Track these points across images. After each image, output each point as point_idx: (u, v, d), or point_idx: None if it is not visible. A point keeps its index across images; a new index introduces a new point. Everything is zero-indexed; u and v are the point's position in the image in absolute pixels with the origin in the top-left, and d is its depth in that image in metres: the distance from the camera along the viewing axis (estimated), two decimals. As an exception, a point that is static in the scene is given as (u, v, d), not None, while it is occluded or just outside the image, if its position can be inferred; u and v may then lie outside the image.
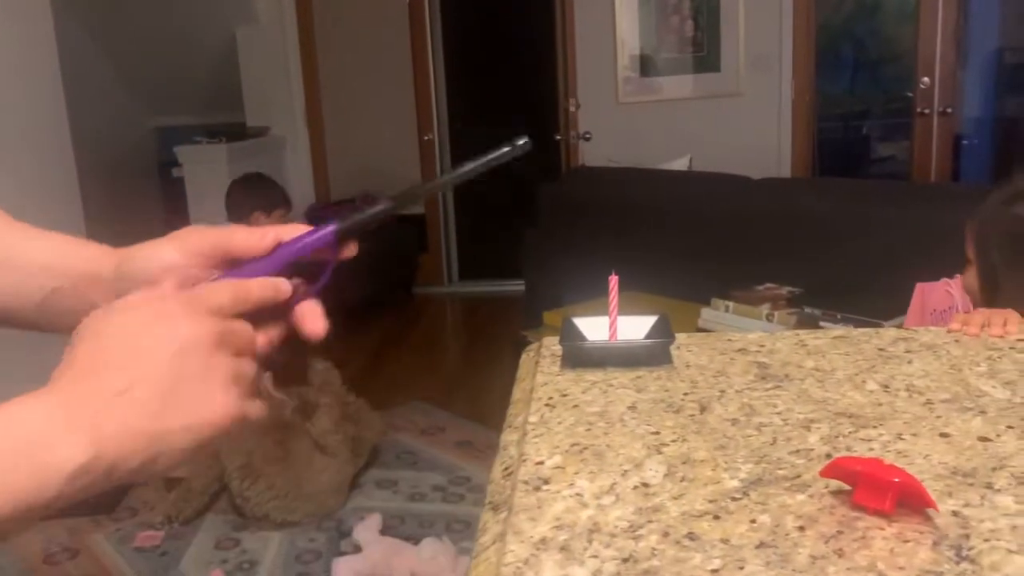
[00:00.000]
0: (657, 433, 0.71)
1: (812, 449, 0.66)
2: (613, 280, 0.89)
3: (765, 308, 2.75)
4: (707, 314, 2.78)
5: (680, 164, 4.17)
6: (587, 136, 4.76)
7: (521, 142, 0.60)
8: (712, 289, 2.97)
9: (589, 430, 0.72)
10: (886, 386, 0.78)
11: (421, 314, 5.13)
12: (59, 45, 4.08)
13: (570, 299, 3.10)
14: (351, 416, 2.81)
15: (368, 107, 5.52)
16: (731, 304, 2.83)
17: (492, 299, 5.19)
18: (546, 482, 0.62)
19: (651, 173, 3.69)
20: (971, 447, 0.65)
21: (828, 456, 0.65)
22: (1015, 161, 5.84)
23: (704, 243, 3.22)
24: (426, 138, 5.45)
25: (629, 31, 5.09)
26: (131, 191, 5.42)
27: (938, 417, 0.71)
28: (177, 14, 5.23)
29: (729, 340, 0.94)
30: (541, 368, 0.88)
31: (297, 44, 5.44)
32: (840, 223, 2.84)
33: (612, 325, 0.89)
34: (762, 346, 0.91)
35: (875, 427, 0.70)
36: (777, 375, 0.82)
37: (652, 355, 0.87)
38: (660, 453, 0.67)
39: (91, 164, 4.73)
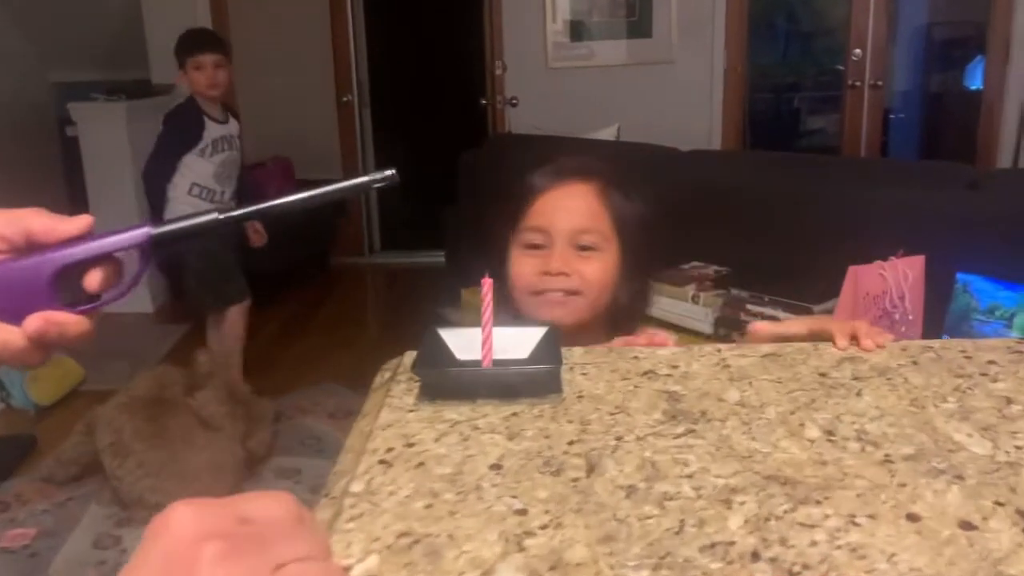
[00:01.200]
0: (524, 513, 0.51)
1: (732, 543, 0.47)
2: (486, 284, 0.68)
3: (690, 289, 2.59)
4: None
5: (608, 134, 3.98)
6: (514, 102, 4.54)
7: (388, 173, 0.56)
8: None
9: (430, 507, 0.52)
10: (831, 432, 0.60)
11: (336, 287, 4.87)
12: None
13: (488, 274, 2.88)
14: (241, 399, 2.58)
15: (283, 65, 5.18)
16: (654, 284, 2.65)
17: (415, 271, 4.94)
18: (344, 609, 0.42)
19: (576, 142, 3.49)
20: (951, 540, 0.47)
21: (754, 556, 0.45)
22: (941, 136, 5.83)
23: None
24: (344, 99, 5.14)
25: (558, -8, 4.86)
26: (30, 150, 5.03)
27: (902, 485, 0.52)
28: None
29: (635, 358, 0.74)
30: (392, 399, 0.68)
31: (207, -5, 5.07)
32: (771, 199, 2.68)
33: (486, 343, 0.68)
34: (675, 367, 0.72)
35: (819, 502, 0.51)
36: (691, 413, 0.63)
37: (535, 384, 0.67)
38: (521, 550, 0.47)
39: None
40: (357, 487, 0.54)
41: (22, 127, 5.13)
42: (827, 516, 0.49)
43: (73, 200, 4.48)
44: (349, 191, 0.57)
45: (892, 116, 5.62)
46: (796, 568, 0.44)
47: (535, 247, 1.10)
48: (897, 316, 1.96)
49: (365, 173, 0.57)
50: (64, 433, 2.64)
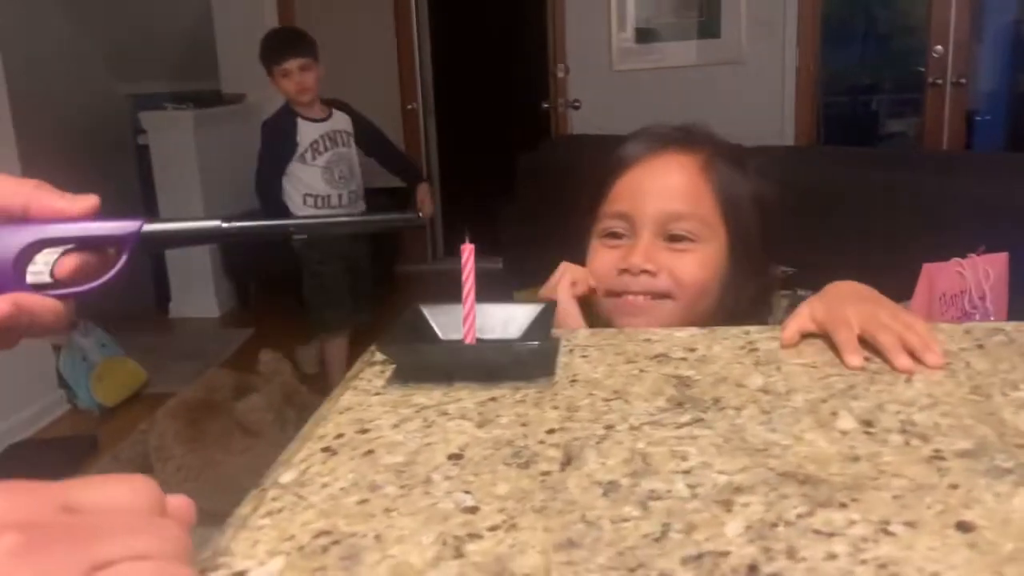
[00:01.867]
0: (474, 511, 0.41)
1: (726, 553, 0.37)
2: (467, 249, 0.59)
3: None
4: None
5: (670, 132, 3.85)
6: (576, 104, 4.44)
7: (413, 216, 0.54)
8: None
9: (365, 503, 0.43)
10: (869, 423, 0.49)
11: (402, 293, 4.84)
12: (27, 12, 3.81)
13: (545, 277, 2.80)
14: (296, 404, 2.55)
15: (349, 74, 5.20)
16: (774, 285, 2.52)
17: (480, 275, 4.87)
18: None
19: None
20: (1015, 557, 0.36)
21: (751, 570, 0.35)
22: (1031, 139, 5.51)
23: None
24: (409, 107, 5.13)
25: (623, -6, 4.76)
26: (106, 159, 5.15)
27: (953, 487, 0.41)
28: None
29: (647, 341, 0.64)
30: (359, 382, 0.59)
31: (275, 7, 5.12)
32: (840, 194, 2.53)
33: (468, 318, 0.59)
34: (692, 351, 0.62)
35: (844, 505, 0.40)
36: (701, 400, 0.53)
37: (521, 365, 0.58)
38: (459, 556, 0.37)
39: (64, 130, 4.47)
40: (287, 477, 0.46)
41: (99, 137, 5.26)
42: (852, 522, 0.39)
43: (147, 206, 4.57)
44: (372, 225, 0.54)
45: (977, 118, 5.34)
46: (803, 587, 0.34)
47: (615, 236, 0.89)
48: (977, 317, 1.80)
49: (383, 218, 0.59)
50: (125, 435, 2.66)
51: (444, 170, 5.34)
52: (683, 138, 0.92)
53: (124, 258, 0.46)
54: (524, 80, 5.05)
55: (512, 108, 5.07)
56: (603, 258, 0.90)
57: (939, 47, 4.65)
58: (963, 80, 4.59)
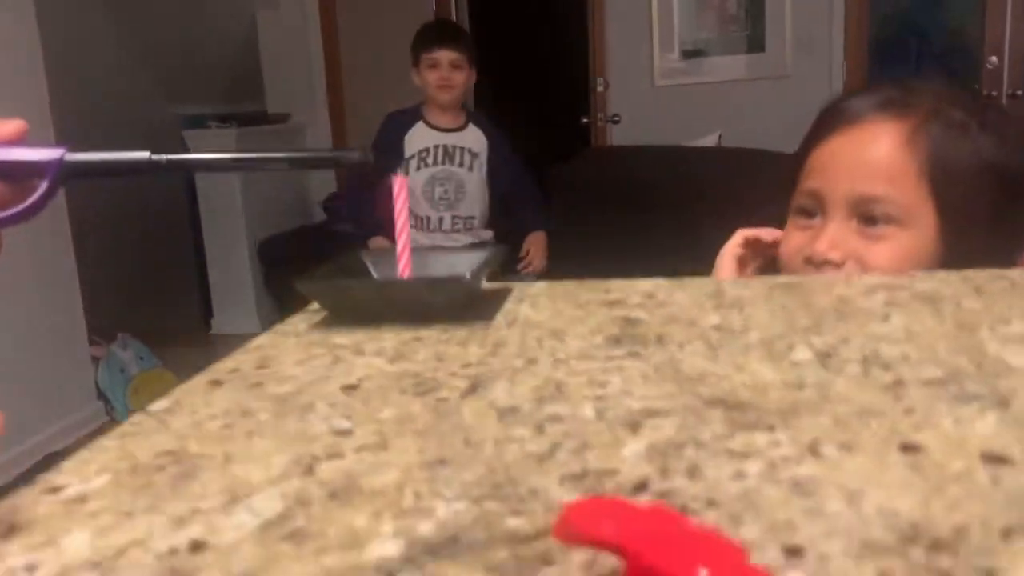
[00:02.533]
0: (347, 434, 0.36)
1: (613, 472, 0.31)
2: (398, 181, 0.54)
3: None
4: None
5: (709, 141, 3.78)
6: (616, 119, 4.39)
7: (357, 152, 0.50)
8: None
9: (228, 427, 0.38)
10: (827, 355, 0.42)
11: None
12: (78, 36, 3.92)
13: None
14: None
15: (392, 92, 5.24)
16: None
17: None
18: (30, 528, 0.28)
19: (671, 150, 3.32)
20: (962, 476, 0.29)
21: (638, 488, 0.29)
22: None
23: (732, 224, 2.83)
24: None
25: (666, 8, 4.72)
26: (156, 177, 5.26)
27: (908, 411, 0.35)
28: (198, 3, 5.05)
29: (606, 291, 0.58)
30: (284, 326, 0.54)
31: (319, 28, 5.19)
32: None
33: (402, 253, 0.54)
34: (651, 297, 0.56)
35: (771, 428, 0.34)
36: (643, 337, 0.47)
37: (455, 306, 0.52)
38: (308, 474, 0.32)
39: (112, 149, 4.56)
40: (160, 405, 0.41)
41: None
42: (776, 444, 0.32)
43: (192, 222, 4.63)
44: (309, 163, 0.50)
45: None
46: (694, 505, 0.28)
47: (807, 215, 0.79)
48: None
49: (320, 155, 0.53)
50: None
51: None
52: (892, 101, 0.77)
53: (44, 185, 0.44)
54: (564, 95, 5.02)
55: (552, 122, 5.04)
56: (791, 238, 0.81)
57: (993, 58, 4.52)
58: (1020, 92, 4.44)
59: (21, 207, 0.43)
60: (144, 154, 0.46)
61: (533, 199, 2.73)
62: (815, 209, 0.79)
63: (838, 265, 0.75)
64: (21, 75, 3.10)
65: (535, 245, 2.64)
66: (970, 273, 0.57)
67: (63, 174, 0.44)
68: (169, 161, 0.45)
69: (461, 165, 2.45)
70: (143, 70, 5.19)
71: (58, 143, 0.45)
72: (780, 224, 0.84)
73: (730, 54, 4.81)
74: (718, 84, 4.75)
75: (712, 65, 4.80)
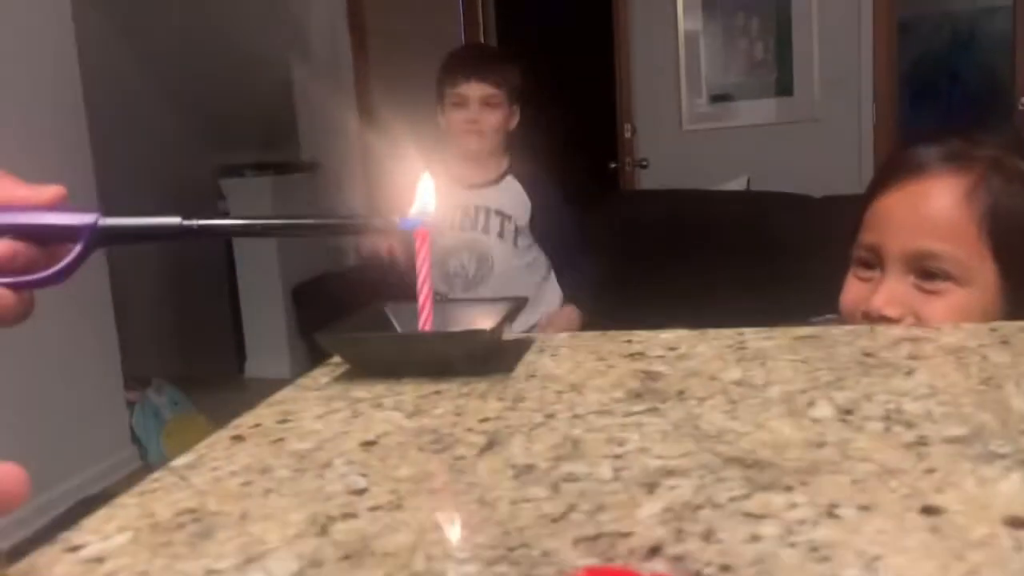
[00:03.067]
0: (362, 492, 0.36)
1: (627, 535, 0.30)
2: (420, 235, 0.55)
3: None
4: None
5: (737, 184, 3.78)
6: (644, 163, 4.41)
7: (394, 219, 0.50)
8: (766, 319, 2.57)
9: (248, 485, 0.38)
10: (848, 411, 0.42)
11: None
12: (120, 88, 4.03)
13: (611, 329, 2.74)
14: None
15: (419, 134, 5.31)
16: (782, 338, 2.42)
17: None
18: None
19: (700, 194, 3.32)
20: (985, 542, 0.28)
21: (652, 552, 0.29)
22: None
23: (761, 268, 2.83)
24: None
25: (693, 53, 4.75)
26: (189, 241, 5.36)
27: (929, 471, 0.34)
28: (235, 56, 5.17)
29: (627, 342, 0.58)
30: (304, 380, 0.55)
31: (352, 78, 5.29)
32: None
33: (423, 307, 0.55)
34: (672, 349, 0.55)
35: (789, 488, 0.33)
36: (663, 392, 0.47)
37: (474, 359, 0.52)
38: (323, 535, 0.32)
39: (151, 197, 4.67)
40: (182, 461, 0.42)
41: (188, 203, 5.48)
42: (794, 505, 0.32)
43: (229, 266, 4.70)
44: (345, 230, 0.54)
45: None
46: (708, 571, 0.28)
47: (867, 267, 0.79)
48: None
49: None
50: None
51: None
52: (954, 154, 0.77)
53: (77, 249, 0.45)
54: (592, 140, 5.05)
55: (580, 167, 5.07)
56: (850, 290, 0.81)
57: (1026, 99, 4.48)
58: (1053, 131, 4.40)
59: (54, 270, 0.44)
60: (176, 220, 0.46)
61: (571, 264, 2.01)
62: (874, 262, 0.79)
63: (895, 321, 0.74)
64: (65, 125, 3.19)
65: (564, 318, 1.93)
66: (997, 324, 0.56)
67: (96, 239, 0.45)
68: (201, 227, 0.46)
69: (486, 231, 1.87)
70: (181, 120, 5.31)
71: (98, 200, 0.46)
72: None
73: (758, 98, 4.82)
74: (746, 128, 4.76)
75: (740, 109, 4.82)
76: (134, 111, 4.64)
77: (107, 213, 0.45)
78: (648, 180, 4.46)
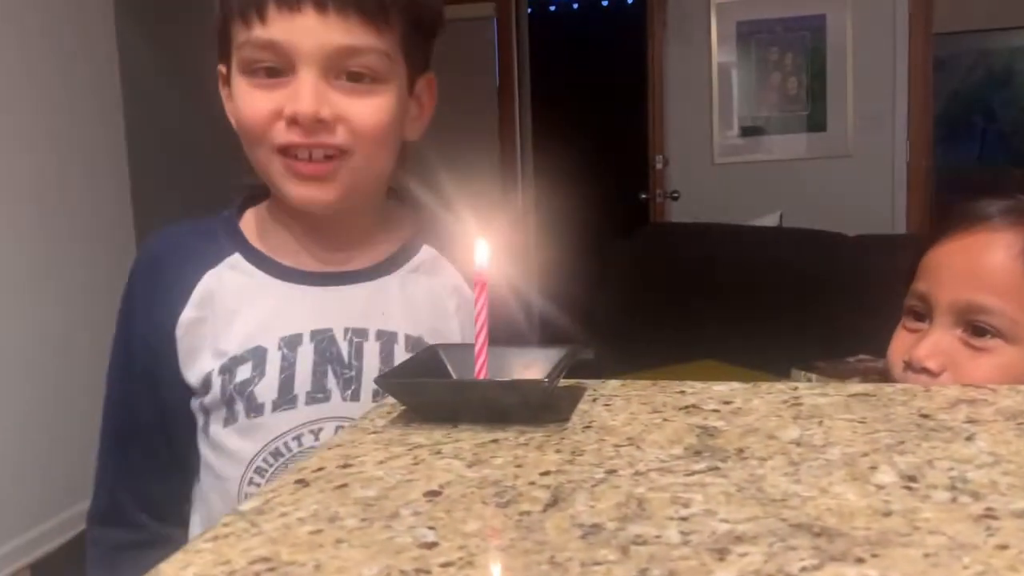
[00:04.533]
0: (432, 547, 0.37)
1: (703, 603, 0.31)
2: (480, 283, 0.55)
3: (855, 383, 2.32)
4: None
5: (770, 220, 3.77)
6: (675, 195, 4.42)
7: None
8: (798, 359, 2.56)
9: (318, 533, 0.39)
10: (912, 478, 0.42)
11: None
12: (160, 108, 4.11)
13: (641, 364, 2.74)
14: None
15: (451, 171, 5.35)
16: (813, 376, 2.41)
17: (574, 366, 4.81)
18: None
19: (732, 229, 3.32)
20: (1064, 626, 0.28)
21: (730, 624, 0.29)
22: None
23: (791, 305, 2.81)
24: (510, 197, 5.22)
25: (727, 87, 4.77)
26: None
27: (1001, 547, 0.34)
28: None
29: (680, 392, 0.58)
30: (363, 422, 0.56)
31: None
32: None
33: (480, 354, 0.56)
34: (727, 403, 0.56)
35: (861, 560, 0.34)
36: (723, 450, 0.47)
37: (529, 407, 0.53)
38: (397, 589, 0.33)
39: (182, 215, 4.73)
40: (250, 505, 0.42)
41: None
42: (867, 579, 0.32)
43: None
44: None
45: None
46: (789, 646, 0.28)
47: (917, 317, 0.79)
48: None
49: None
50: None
51: (543, 267, 5.37)
52: (1012, 208, 0.77)
53: None
54: (624, 171, 5.07)
55: (611, 198, 5.08)
56: (898, 340, 0.81)
57: (1062, 141, 4.45)
58: (1090, 174, 4.36)
59: None
60: None
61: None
62: (924, 312, 0.78)
63: (935, 374, 0.74)
64: (104, 150, 3.25)
65: None
66: (1055, 388, 0.56)
67: None
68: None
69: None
70: (214, 138, 5.36)
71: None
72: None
73: (790, 133, 4.82)
74: (778, 162, 4.76)
75: (772, 143, 4.82)
76: (169, 129, 4.71)
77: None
78: (679, 212, 4.46)
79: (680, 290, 3.24)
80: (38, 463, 2.96)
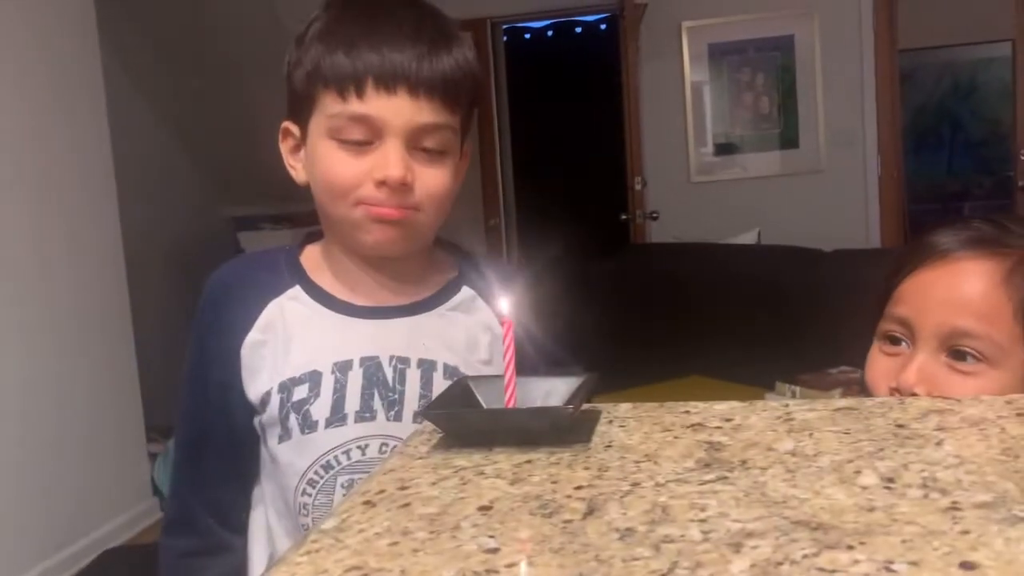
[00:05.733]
0: (495, 551, 0.44)
1: (727, 586, 0.38)
2: (506, 324, 0.63)
3: (837, 394, 2.41)
4: (770, 400, 2.46)
5: (748, 238, 3.87)
6: (654, 215, 4.52)
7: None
8: (780, 372, 2.65)
9: (396, 544, 0.46)
10: (890, 480, 0.50)
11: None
12: (146, 147, 4.15)
13: (625, 383, 2.82)
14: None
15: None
16: (797, 389, 2.50)
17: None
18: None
19: (711, 247, 3.41)
20: (1012, 590, 0.36)
21: (749, 600, 0.37)
22: None
23: (771, 321, 2.90)
24: (491, 223, 5.30)
25: (700, 107, 4.89)
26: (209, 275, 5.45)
27: (964, 532, 0.42)
28: (251, 112, 5.31)
29: (686, 412, 0.66)
30: (407, 448, 0.63)
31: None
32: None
33: (508, 387, 0.63)
34: (728, 420, 0.63)
35: (851, 547, 0.41)
36: (729, 462, 0.55)
37: (556, 430, 0.60)
38: (474, 586, 0.40)
39: (170, 249, 4.78)
40: (329, 524, 0.49)
41: (203, 256, 5.58)
42: (856, 561, 0.40)
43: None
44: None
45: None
46: (797, 614, 0.35)
47: (894, 342, 0.82)
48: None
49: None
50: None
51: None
52: (986, 239, 0.80)
53: None
54: (602, 193, 5.17)
55: (591, 220, 5.17)
56: (877, 365, 0.83)
57: (1027, 150, 4.60)
58: (1054, 182, 4.51)
59: None
60: None
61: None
62: (904, 337, 0.81)
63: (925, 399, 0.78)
64: (93, 183, 3.29)
65: None
66: (1012, 397, 0.64)
67: None
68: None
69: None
70: (199, 175, 5.43)
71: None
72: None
73: (764, 151, 4.94)
74: (753, 180, 4.87)
75: (746, 161, 4.93)
76: (155, 167, 4.76)
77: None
78: (659, 232, 4.56)
79: (662, 308, 3.32)
80: (37, 502, 2.98)
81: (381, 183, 0.82)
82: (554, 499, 0.51)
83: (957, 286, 0.79)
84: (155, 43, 4.59)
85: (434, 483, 0.55)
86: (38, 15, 3.00)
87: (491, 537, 0.46)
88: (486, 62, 4.98)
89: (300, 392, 0.87)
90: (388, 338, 0.89)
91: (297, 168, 0.93)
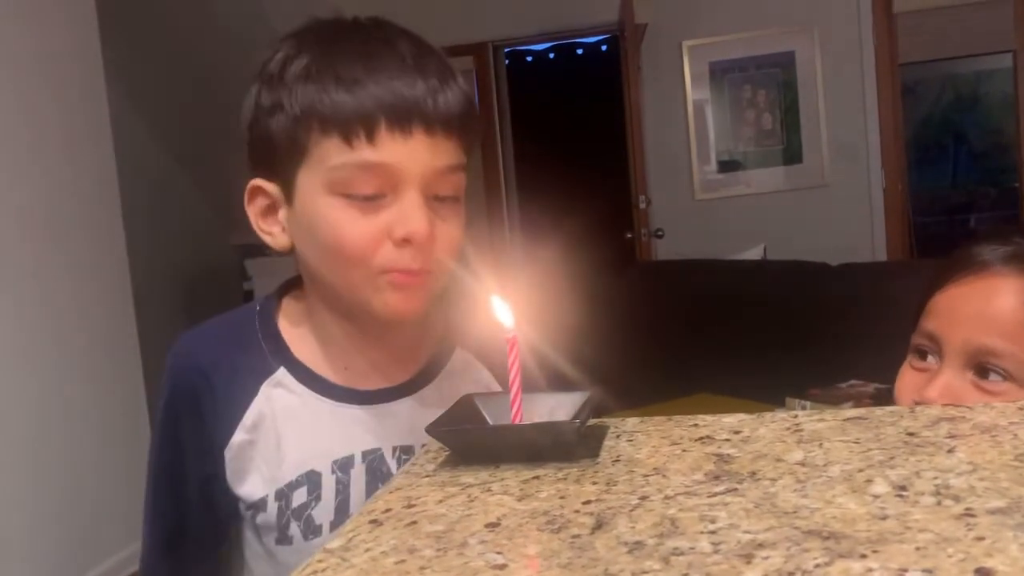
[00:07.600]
0: (502, 568, 0.43)
1: (738, 597, 0.38)
2: (512, 341, 0.63)
3: (847, 408, 2.39)
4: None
5: (755, 254, 3.86)
6: (659, 233, 4.51)
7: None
8: (789, 387, 2.63)
9: (402, 563, 0.45)
10: (902, 488, 0.49)
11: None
12: (151, 175, 4.18)
13: (634, 401, 2.80)
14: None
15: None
16: (808, 404, 2.49)
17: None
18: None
19: (717, 264, 3.40)
20: (1029, 596, 0.36)
21: (761, 611, 0.36)
22: None
23: (779, 336, 2.89)
24: (496, 245, 5.31)
25: (703, 126, 4.91)
26: (217, 304, 5.46)
27: (979, 539, 0.41)
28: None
29: (694, 425, 0.66)
30: (412, 467, 0.62)
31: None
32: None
33: (514, 403, 0.63)
34: (737, 432, 0.63)
35: (864, 556, 0.41)
36: (738, 473, 0.54)
37: (563, 445, 0.60)
38: (482, 602, 0.40)
39: (176, 277, 4.80)
40: (335, 544, 0.49)
41: (210, 284, 5.61)
42: (870, 570, 0.39)
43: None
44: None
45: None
46: (810, 625, 0.35)
47: (923, 356, 0.82)
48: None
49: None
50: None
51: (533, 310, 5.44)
52: (1014, 256, 0.79)
53: None
54: (607, 212, 5.17)
55: (596, 240, 5.18)
56: (905, 379, 0.83)
57: (1031, 160, 4.59)
58: (1059, 191, 4.49)
59: None
60: None
61: None
62: (932, 351, 0.81)
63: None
64: (98, 210, 3.31)
65: None
66: (1024, 403, 0.63)
67: None
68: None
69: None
70: (204, 202, 5.45)
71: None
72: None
73: (768, 166, 4.95)
74: (757, 195, 4.87)
75: (750, 177, 4.94)
76: (161, 195, 4.79)
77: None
78: (664, 249, 4.56)
79: (669, 326, 3.31)
80: (45, 534, 2.98)
81: (405, 241, 0.71)
82: (562, 514, 0.50)
83: (987, 302, 0.78)
84: (160, 69, 4.63)
85: (441, 500, 0.54)
86: (43, 40, 3.03)
87: (499, 553, 0.45)
88: (488, 86, 5.01)
89: (299, 497, 0.78)
90: (390, 426, 0.80)
91: (274, 233, 0.78)
